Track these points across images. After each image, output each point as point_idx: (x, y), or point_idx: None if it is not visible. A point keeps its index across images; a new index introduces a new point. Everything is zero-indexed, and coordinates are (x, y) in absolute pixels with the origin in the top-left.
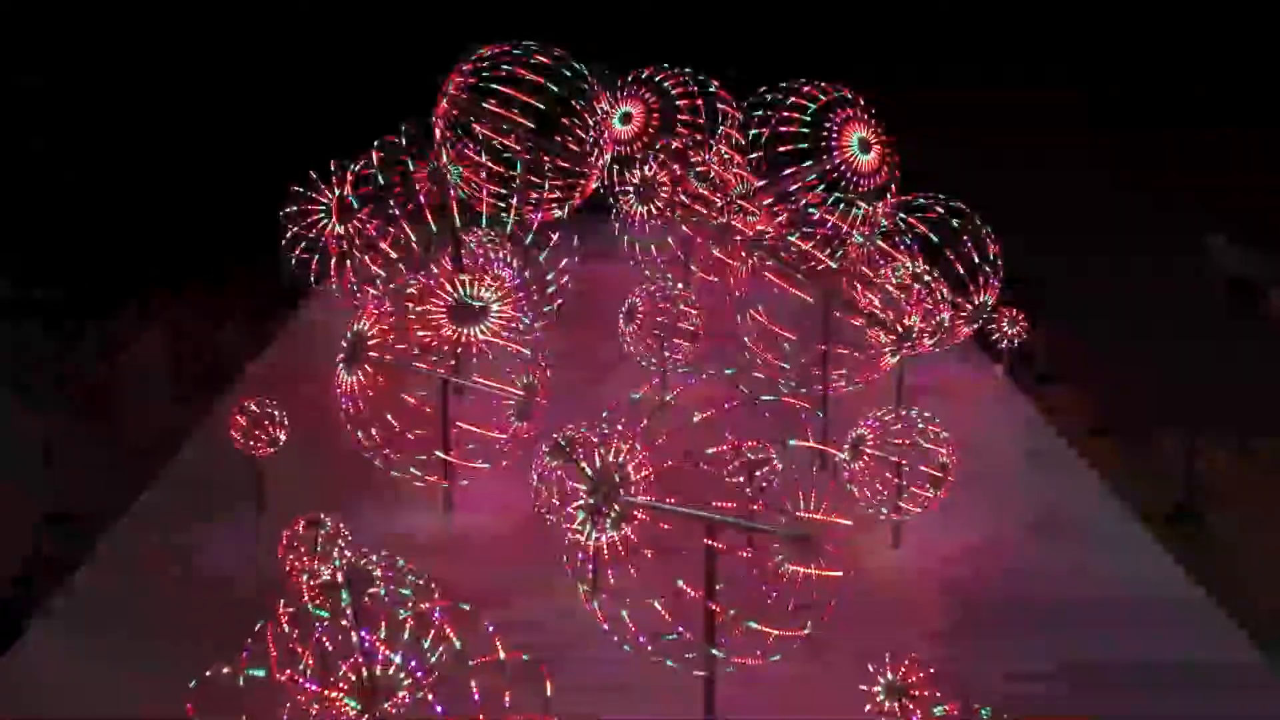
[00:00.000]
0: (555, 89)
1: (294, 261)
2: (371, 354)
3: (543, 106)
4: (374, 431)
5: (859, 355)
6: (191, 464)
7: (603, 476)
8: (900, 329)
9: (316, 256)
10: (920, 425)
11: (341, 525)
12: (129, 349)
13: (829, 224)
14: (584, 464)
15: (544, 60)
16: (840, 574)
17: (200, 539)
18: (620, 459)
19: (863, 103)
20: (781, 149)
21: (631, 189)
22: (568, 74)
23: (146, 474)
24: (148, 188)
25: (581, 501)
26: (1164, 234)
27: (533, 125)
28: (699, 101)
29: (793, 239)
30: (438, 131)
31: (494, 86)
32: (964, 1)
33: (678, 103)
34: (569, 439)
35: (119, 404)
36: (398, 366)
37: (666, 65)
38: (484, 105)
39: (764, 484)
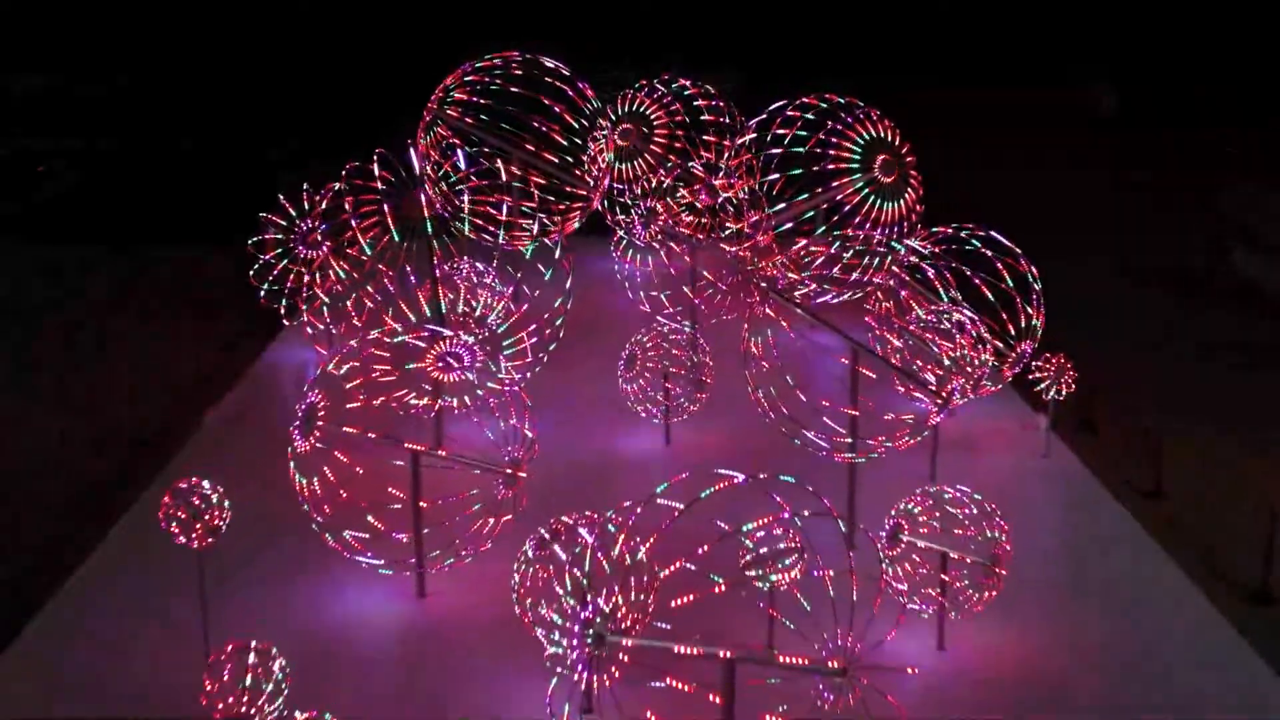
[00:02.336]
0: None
1: (264, 293)
2: (323, 424)
3: (563, 141)
4: (315, 483)
5: (901, 418)
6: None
7: (596, 612)
8: (942, 397)
9: (289, 282)
10: (969, 509)
11: (277, 653)
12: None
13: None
14: (572, 599)
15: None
16: None
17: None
18: (616, 591)
19: (891, 127)
20: (830, 167)
21: (637, 216)
22: (587, 107)
23: (142, 481)
24: (132, 202)
25: (571, 644)
26: (1168, 233)
27: (533, 148)
28: (683, 117)
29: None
30: (420, 155)
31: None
32: (964, 2)
33: (661, 118)
34: (555, 534)
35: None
36: (361, 438)
37: (666, 75)
38: (479, 125)
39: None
